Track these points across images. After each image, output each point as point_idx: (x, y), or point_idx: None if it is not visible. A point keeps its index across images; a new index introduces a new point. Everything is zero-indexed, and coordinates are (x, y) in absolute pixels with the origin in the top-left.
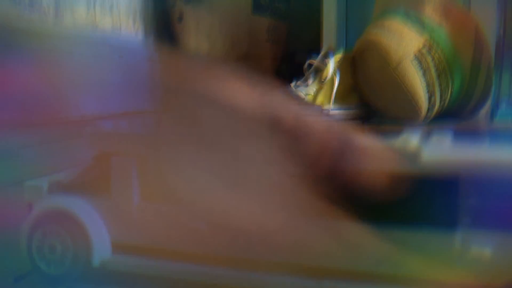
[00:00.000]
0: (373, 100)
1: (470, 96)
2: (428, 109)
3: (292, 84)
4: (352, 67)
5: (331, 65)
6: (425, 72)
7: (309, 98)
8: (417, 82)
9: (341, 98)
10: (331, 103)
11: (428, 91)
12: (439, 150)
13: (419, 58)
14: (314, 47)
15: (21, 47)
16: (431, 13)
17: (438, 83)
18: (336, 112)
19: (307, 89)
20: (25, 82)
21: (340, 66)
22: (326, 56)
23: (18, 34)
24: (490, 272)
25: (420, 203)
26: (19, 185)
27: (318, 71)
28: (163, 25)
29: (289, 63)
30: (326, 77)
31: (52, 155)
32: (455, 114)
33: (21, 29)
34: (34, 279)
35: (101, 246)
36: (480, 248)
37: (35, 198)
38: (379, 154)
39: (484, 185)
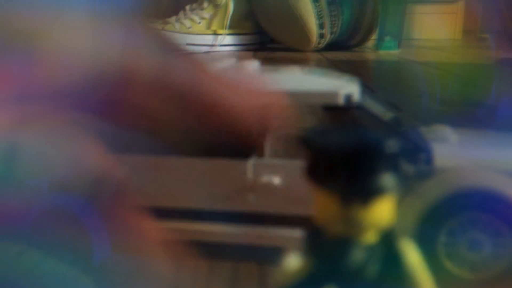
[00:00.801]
0: (267, 27)
1: (358, 27)
2: (319, 38)
3: (187, 8)
4: None
5: None
6: (316, 0)
7: (203, 23)
8: (309, 9)
9: (236, 24)
10: (225, 28)
11: (319, 19)
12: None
13: None
14: None
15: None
16: None
17: (329, 12)
18: (231, 38)
19: (202, 13)
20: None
21: None
22: None
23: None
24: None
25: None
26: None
27: None
28: None
29: None
30: (221, 1)
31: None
32: (344, 44)
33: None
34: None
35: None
36: None
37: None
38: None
39: None
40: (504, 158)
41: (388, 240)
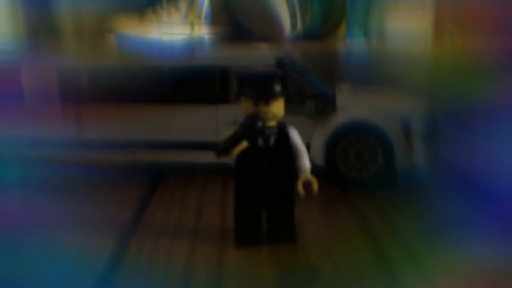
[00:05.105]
0: (242, 18)
1: (328, 19)
2: (291, 29)
3: (164, 0)
4: None
5: None
6: None
7: (180, 14)
8: (281, 1)
9: (212, 16)
10: (202, 21)
11: (290, 10)
12: None
13: None
14: None
15: None
16: None
17: (299, 5)
18: (208, 28)
19: (178, 5)
20: None
21: None
22: None
23: None
24: None
25: None
26: None
27: None
28: None
29: None
30: None
31: None
32: (315, 35)
33: None
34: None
35: None
36: None
37: None
38: None
39: None
40: (379, 101)
41: (281, 125)
